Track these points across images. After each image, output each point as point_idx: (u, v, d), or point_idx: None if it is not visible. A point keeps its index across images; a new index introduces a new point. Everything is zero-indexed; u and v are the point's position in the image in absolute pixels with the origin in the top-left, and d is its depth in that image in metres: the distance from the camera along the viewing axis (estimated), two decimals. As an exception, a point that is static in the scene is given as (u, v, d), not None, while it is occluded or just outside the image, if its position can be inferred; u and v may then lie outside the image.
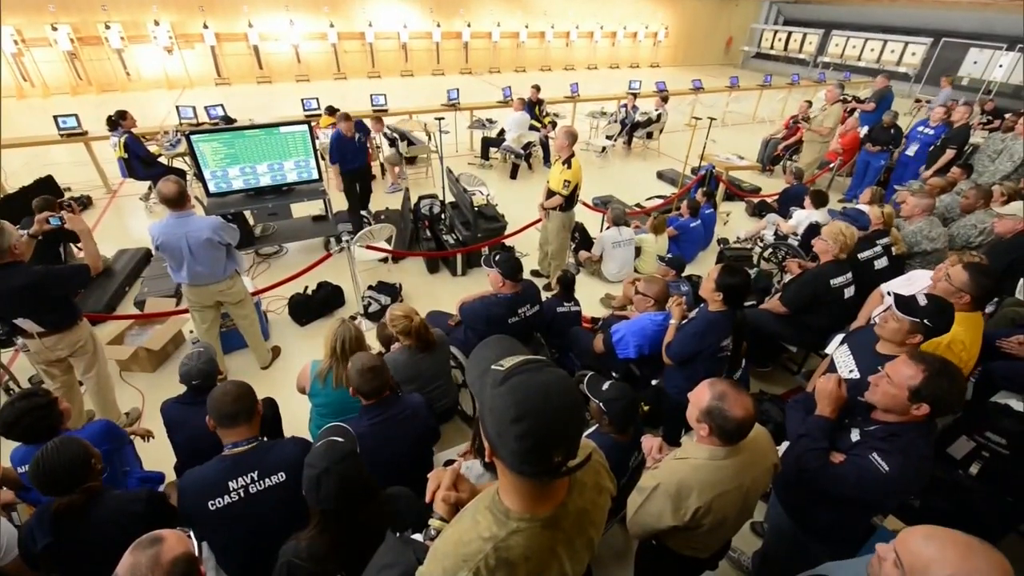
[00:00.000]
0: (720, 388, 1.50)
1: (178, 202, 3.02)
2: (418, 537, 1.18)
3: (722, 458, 1.52)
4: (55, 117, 6.69)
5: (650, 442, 1.90)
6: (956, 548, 0.98)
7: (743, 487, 1.54)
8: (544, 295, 3.38)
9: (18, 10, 11.12)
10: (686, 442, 1.69)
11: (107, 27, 11.88)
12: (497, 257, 2.93)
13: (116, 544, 1.42)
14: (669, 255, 4.36)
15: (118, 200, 6.76)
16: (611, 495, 1.13)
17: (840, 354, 2.29)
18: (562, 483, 0.96)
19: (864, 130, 7.48)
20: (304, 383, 2.46)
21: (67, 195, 5.87)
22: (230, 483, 1.69)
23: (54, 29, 11.41)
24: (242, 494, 1.71)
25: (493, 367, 0.85)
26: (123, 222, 6.21)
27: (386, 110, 8.28)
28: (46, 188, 5.55)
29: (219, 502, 1.68)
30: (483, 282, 3.14)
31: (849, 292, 3.13)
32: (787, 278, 3.77)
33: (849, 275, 3.14)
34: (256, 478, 1.73)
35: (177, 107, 7.53)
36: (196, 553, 1.22)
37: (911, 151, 6.74)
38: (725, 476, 1.51)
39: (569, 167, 4.29)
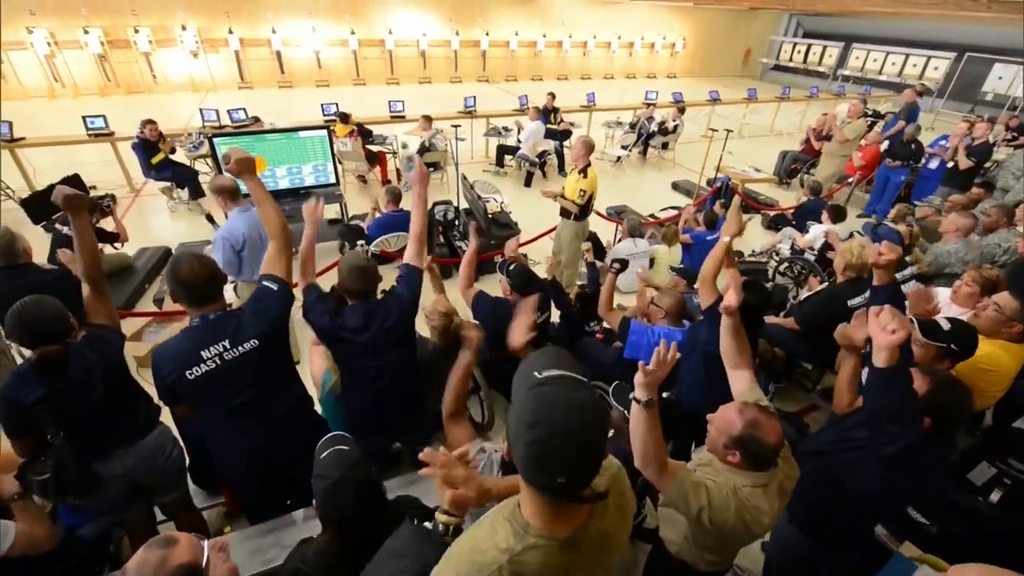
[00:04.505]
0: (751, 415, 1.44)
1: (238, 195, 3.14)
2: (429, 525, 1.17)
3: (764, 484, 1.45)
4: (84, 117, 6.88)
5: None
6: None
7: (773, 512, 1.47)
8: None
9: (52, 13, 11.50)
10: (715, 463, 1.58)
11: (136, 31, 12.21)
12: (511, 267, 2.93)
13: (92, 387, 1.69)
14: (682, 265, 4.34)
15: (141, 199, 6.91)
16: (632, 515, 1.11)
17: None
18: (583, 506, 0.94)
19: (885, 144, 7.40)
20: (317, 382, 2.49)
21: (92, 193, 6.02)
22: (203, 352, 1.71)
23: (86, 32, 11.77)
24: (218, 361, 1.73)
25: (535, 372, 0.85)
26: (145, 221, 6.34)
27: (404, 116, 8.38)
28: (72, 186, 5.69)
29: (196, 371, 1.70)
30: (495, 289, 3.14)
31: None
32: (803, 293, 3.71)
33: (868, 294, 3.05)
34: (228, 346, 1.74)
35: (201, 110, 7.71)
36: (204, 564, 1.22)
37: (933, 165, 6.64)
38: (763, 503, 1.45)
39: (585, 176, 4.29)
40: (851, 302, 3.00)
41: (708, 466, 1.56)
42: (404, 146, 7.90)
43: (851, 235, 4.77)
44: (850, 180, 7.43)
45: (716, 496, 1.43)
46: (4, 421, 1.73)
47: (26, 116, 9.52)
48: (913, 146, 6.74)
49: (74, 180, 5.62)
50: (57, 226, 4.24)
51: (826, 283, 3.55)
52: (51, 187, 5.56)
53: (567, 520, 0.91)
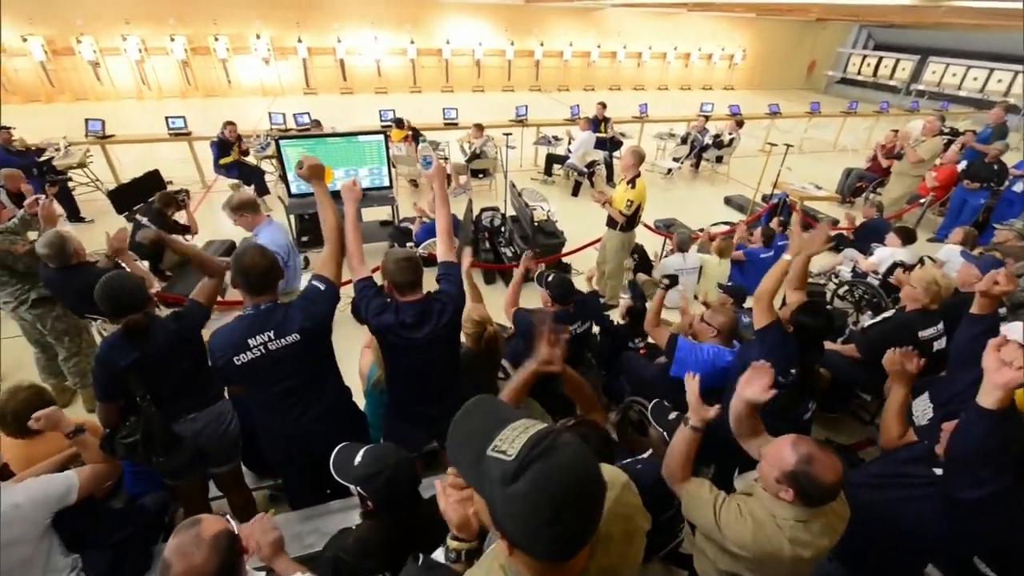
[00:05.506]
0: (806, 450, 1.37)
1: (259, 208, 3.24)
2: (439, 555, 1.16)
3: (807, 519, 1.38)
4: (167, 118, 7.47)
5: None
6: None
7: (820, 550, 1.38)
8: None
9: (144, 22, 12.58)
10: (759, 491, 1.51)
11: (216, 39, 13.18)
12: (549, 279, 2.94)
13: (174, 357, 1.96)
14: (730, 283, 4.19)
15: (211, 195, 7.40)
16: (646, 532, 1.03)
17: (920, 403, 2.10)
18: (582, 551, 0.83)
19: (963, 164, 6.88)
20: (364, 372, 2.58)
21: (169, 188, 6.51)
22: (249, 340, 1.81)
23: (172, 40, 12.81)
24: (263, 350, 1.83)
25: (491, 454, 0.71)
26: (214, 215, 6.77)
27: (456, 123, 8.58)
28: (152, 180, 6.18)
29: (243, 357, 1.81)
30: (534, 299, 3.15)
31: (940, 344, 2.78)
32: (865, 319, 3.49)
33: (940, 326, 2.80)
34: (273, 337, 1.84)
35: (270, 113, 8.19)
36: (235, 531, 1.28)
37: (1018, 188, 6.10)
38: (802, 535, 1.37)
39: (633, 187, 4.24)
40: (922, 334, 2.77)
41: (750, 495, 1.50)
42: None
43: (920, 261, 4.46)
44: (922, 201, 6.95)
45: (726, 510, 1.44)
46: (100, 385, 1.92)
47: (117, 116, 10.42)
48: (995, 167, 6.23)
49: (153, 176, 6.12)
50: (137, 216, 4.62)
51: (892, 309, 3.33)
52: (135, 181, 6.04)
53: (565, 568, 0.80)
